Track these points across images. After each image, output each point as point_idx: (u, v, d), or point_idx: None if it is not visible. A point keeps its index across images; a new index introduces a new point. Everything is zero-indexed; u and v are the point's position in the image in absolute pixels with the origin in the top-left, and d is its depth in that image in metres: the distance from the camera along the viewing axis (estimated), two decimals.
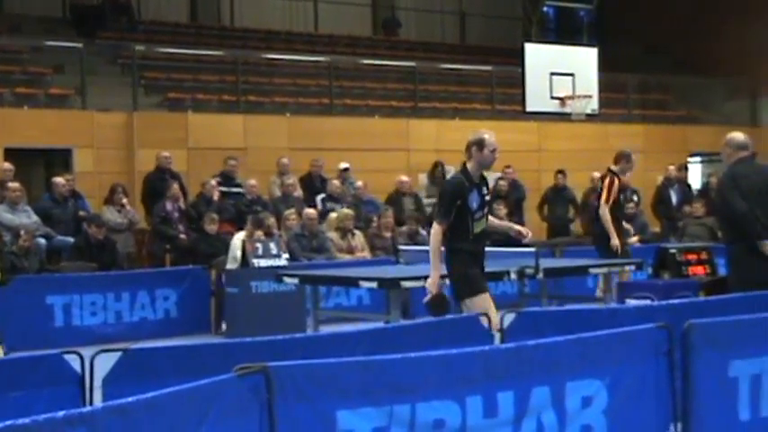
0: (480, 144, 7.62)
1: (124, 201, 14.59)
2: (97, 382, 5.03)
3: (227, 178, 15.46)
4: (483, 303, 7.38)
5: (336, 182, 16.15)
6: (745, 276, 7.79)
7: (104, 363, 5.07)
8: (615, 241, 11.60)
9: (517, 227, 8.53)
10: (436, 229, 7.58)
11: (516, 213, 16.40)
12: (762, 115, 24.01)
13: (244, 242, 12.29)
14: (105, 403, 4.00)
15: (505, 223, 8.90)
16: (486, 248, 7.90)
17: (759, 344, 5.65)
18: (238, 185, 15.52)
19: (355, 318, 11.11)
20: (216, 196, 14.88)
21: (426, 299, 7.64)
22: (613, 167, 11.96)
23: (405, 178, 16.96)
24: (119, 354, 5.12)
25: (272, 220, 13.43)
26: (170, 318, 12.57)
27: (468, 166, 7.67)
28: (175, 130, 16.84)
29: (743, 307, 6.61)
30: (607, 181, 11.80)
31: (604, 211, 11.69)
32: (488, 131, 7.83)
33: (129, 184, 15.69)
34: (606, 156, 20.29)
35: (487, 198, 7.81)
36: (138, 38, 19.93)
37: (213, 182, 15.05)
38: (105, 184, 15.09)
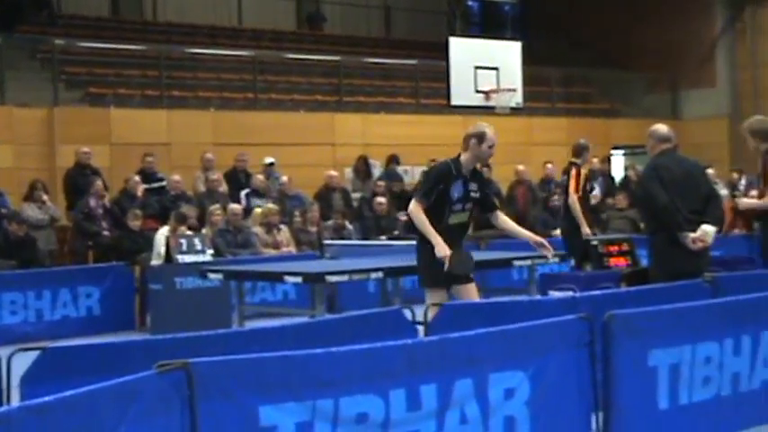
0: (481, 138, 7.46)
1: (44, 197, 14.37)
2: (15, 382, 4.94)
3: (146, 175, 15.31)
4: (434, 299, 7.25)
5: (261, 177, 16.07)
6: (666, 267, 7.89)
7: (22, 362, 4.97)
8: (586, 229, 11.87)
9: (538, 239, 7.85)
10: (415, 206, 7.38)
11: None
12: (682, 108, 24.39)
13: (168, 238, 12.17)
14: (21, 403, 3.93)
15: (526, 232, 8.05)
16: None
17: (677, 333, 5.72)
18: (161, 180, 15.37)
19: (281, 313, 11.07)
20: (139, 192, 14.72)
21: (447, 266, 7.25)
22: (575, 160, 12.22)
23: (333, 173, 16.95)
24: (37, 353, 5.03)
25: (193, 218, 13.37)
26: (93, 316, 12.39)
27: (463, 156, 7.52)
28: (97, 125, 16.61)
29: (663, 297, 6.69)
30: (573, 172, 12.11)
31: (574, 201, 11.99)
32: (489, 126, 7.60)
33: (51, 180, 15.46)
34: (530, 149, 20.70)
35: (474, 195, 7.57)
36: (59, 32, 19.62)
37: (137, 177, 14.90)
38: (25, 181, 14.85)
